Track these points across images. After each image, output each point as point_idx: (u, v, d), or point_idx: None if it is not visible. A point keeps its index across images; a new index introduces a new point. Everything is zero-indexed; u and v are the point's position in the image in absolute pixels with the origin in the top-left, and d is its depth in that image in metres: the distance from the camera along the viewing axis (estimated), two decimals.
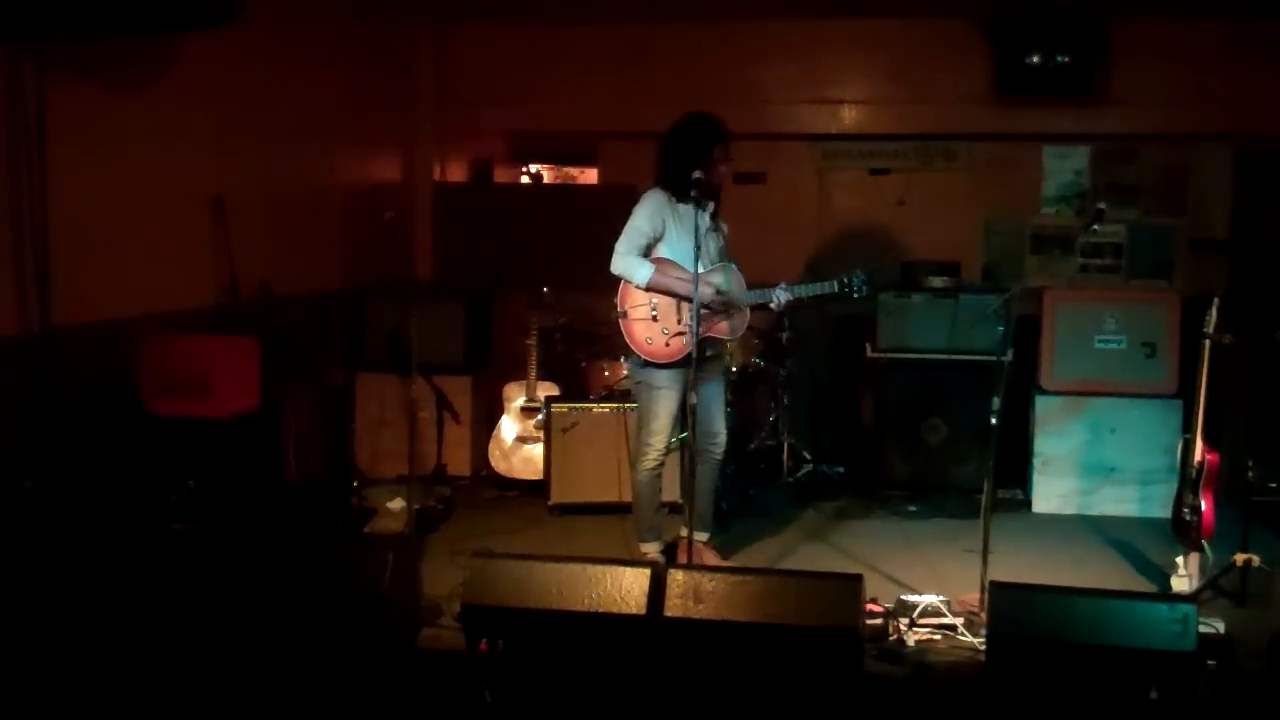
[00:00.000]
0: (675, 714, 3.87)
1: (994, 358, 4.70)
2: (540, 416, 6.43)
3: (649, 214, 5.03)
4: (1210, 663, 3.86)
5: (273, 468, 5.61)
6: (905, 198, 7.77)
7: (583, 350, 7.10)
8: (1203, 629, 3.86)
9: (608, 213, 7.95)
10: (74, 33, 4.44)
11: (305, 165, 6.57)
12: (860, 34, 7.61)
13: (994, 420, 4.63)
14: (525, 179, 9.48)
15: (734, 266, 5.10)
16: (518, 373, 6.69)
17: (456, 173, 8.36)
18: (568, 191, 9.39)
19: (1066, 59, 6.98)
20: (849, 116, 7.73)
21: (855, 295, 5.01)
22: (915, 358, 6.56)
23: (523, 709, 3.86)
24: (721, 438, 5.19)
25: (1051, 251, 7.69)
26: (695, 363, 4.69)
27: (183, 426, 4.69)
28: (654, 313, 5.01)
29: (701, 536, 5.16)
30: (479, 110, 8.01)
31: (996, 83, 7.23)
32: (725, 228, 5.25)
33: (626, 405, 6.18)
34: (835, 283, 4.98)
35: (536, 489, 6.34)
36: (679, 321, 4.98)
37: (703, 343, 4.83)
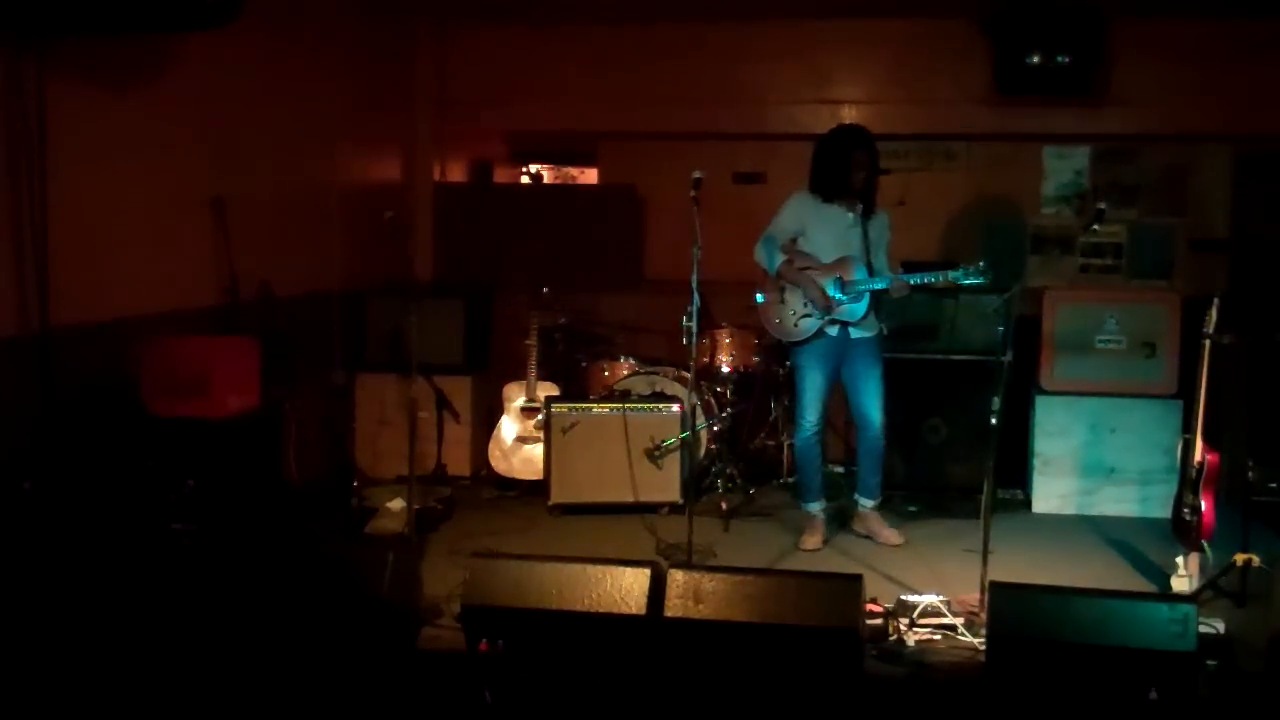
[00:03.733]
0: (675, 714, 3.87)
1: (994, 358, 4.70)
2: (540, 416, 6.43)
3: (791, 212, 5.60)
4: (1210, 663, 3.87)
5: (273, 468, 5.60)
6: (905, 198, 7.76)
7: (583, 350, 7.10)
8: (1203, 629, 3.87)
9: (608, 213, 8.04)
10: (74, 33, 4.44)
11: (305, 165, 6.57)
12: (860, 34, 7.60)
13: (994, 420, 4.63)
14: (525, 179, 9.48)
15: (858, 259, 5.44)
16: (518, 373, 6.69)
17: (456, 173, 8.36)
18: (568, 191, 9.40)
19: (1066, 59, 6.97)
20: (849, 116, 7.70)
21: (970, 281, 5.25)
22: (915, 358, 6.56)
23: (523, 709, 3.86)
24: (872, 416, 5.59)
25: (1051, 251, 7.69)
26: (696, 351, 5.23)
27: (183, 426, 4.69)
28: (784, 296, 5.56)
29: (867, 504, 5.75)
30: (479, 110, 8.01)
31: (996, 83, 7.22)
32: (881, 224, 5.59)
33: (626, 405, 6.18)
34: (946, 273, 5.28)
35: (536, 489, 6.33)
36: (804, 305, 5.51)
37: (845, 326, 5.49)
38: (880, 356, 5.63)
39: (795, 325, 5.53)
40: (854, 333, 5.51)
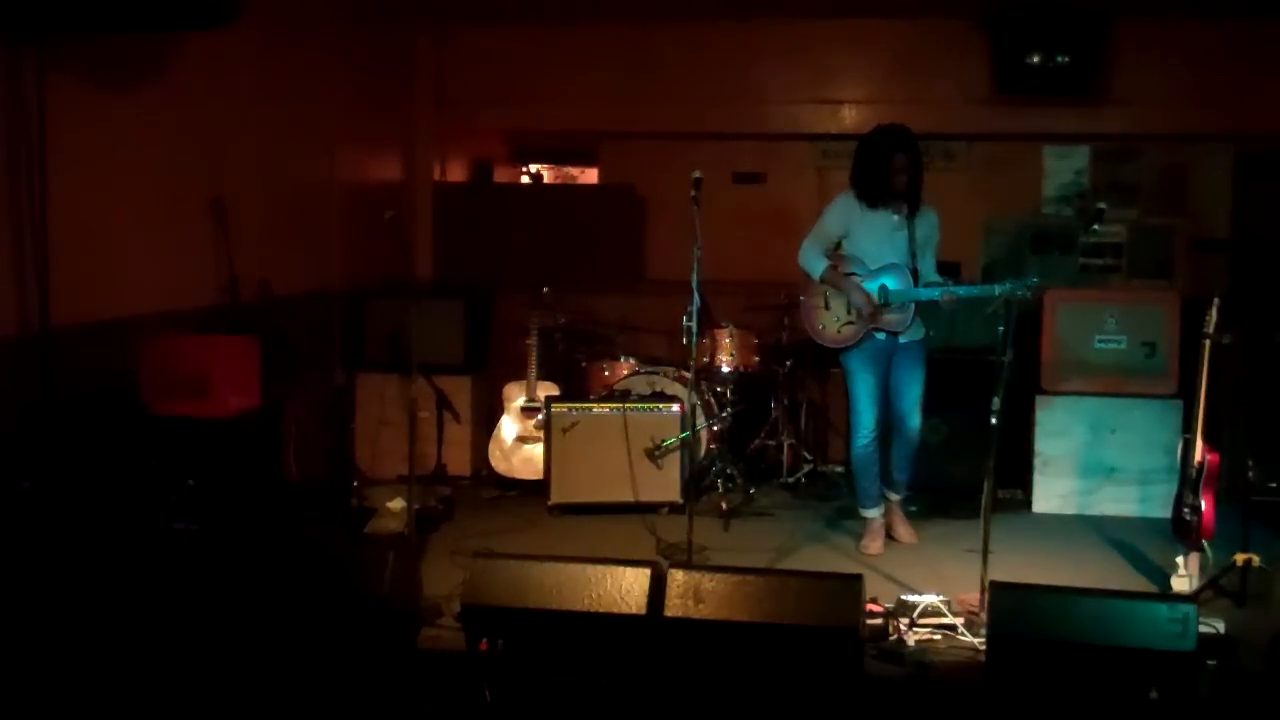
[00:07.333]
0: (675, 714, 3.88)
1: (994, 358, 4.69)
2: (540, 416, 6.42)
3: (835, 215, 5.51)
4: (1210, 663, 3.86)
5: (273, 468, 5.61)
6: None
7: (583, 350, 7.10)
8: (1203, 629, 3.86)
9: (608, 213, 8.04)
10: (74, 33, 4.44)
11: (305, 165, 6.57)
12: (860, 34, 7.61)
13: (994, 420, 4.63)
14: (525, 179, 9.49)
15: (903, 267, 5.38)
16: (518, 373, 6.69)
17: (456, 173, 8.37)
18: (568, 191, 9.40)
19: (1066, 59, 6.98)
20: (849, 116, 7.72)
21: (1021, 296, 4.91)
22: None
23: (523, 709, 3.86)
24: (911, 420, 5.57)
25: (1051, 251, 7.68)
26: (696, 351, 5.23)
27: (183, 426, 4.69)
28: (828, 302, 5.49)
29: (894, 496, 5.74)
30: (479, 110, 8.02)
31: (996, 83, 7.23)
32: (928, 223, 5.47)
33: (626, 405, 6.18)
34: (994, 287, 4.97)
35: (536, 489, 6.33)
36: (848, 311, 5.43)
37: (890, 333, 5.42)
38: (924, 360, 5.58)
39: (839, 332, 5.46)
40: (902, 338, 5.47)
